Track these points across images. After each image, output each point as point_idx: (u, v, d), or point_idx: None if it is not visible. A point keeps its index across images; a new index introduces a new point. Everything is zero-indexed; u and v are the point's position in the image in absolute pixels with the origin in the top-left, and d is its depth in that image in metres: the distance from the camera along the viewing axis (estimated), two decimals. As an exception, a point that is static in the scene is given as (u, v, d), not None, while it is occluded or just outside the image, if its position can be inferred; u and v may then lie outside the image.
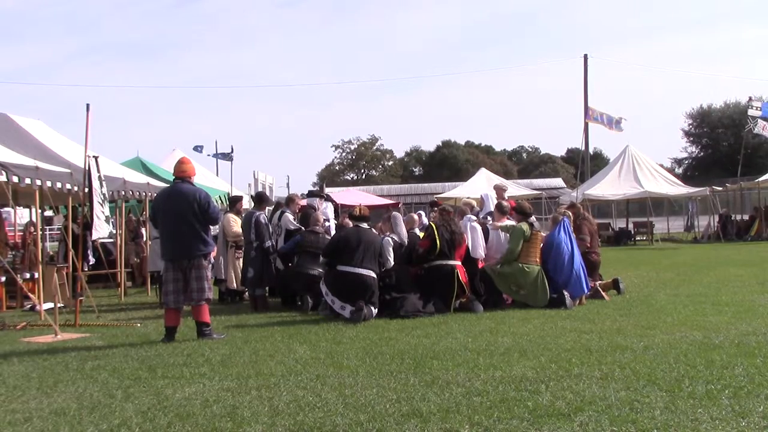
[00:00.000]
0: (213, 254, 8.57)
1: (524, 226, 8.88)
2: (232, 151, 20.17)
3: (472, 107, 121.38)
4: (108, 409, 4.50)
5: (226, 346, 6.55)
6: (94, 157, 8.54)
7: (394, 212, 10.20)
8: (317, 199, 11.25)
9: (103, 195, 8.61)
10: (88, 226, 8.76)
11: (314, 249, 9.05)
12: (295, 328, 7.60)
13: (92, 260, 12.54)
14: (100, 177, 8.59)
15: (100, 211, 8.32)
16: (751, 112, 25.12)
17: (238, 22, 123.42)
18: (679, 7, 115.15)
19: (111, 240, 12.22)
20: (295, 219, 10.06)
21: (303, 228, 9.78)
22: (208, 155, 20.76)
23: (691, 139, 63.84)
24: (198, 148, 19.89)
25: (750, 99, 26.02)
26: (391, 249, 8.68)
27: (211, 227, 7.65)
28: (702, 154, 62.19)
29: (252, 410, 4.33)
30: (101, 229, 8.32)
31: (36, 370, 5.75)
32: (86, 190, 8.52)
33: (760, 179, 25.47)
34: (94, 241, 10.58)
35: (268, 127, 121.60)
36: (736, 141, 51.00)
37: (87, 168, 8.41)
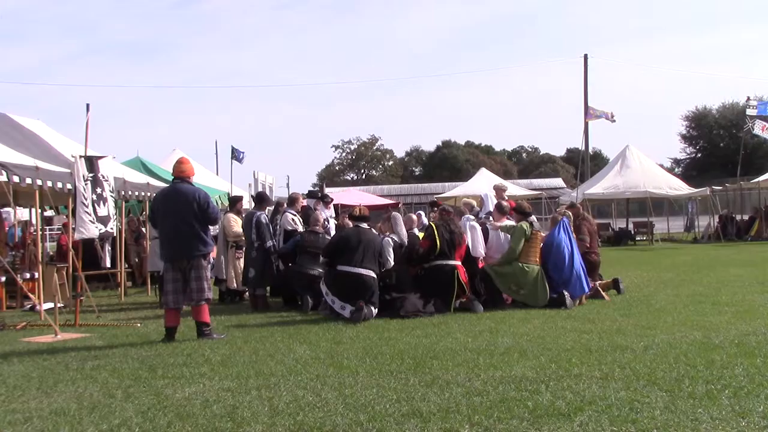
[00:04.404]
0: (213, 254, 8.57)
1: (525, 225, 8.89)
2: (233, 152, 20.09)
3: (472, 107, 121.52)
4: (108, 409, 4.50)
5: (226, 346, 6.55)
6: (87, 157, 8.52)
7: (393, 212, 10.20)
8: (314, 200, 11.25)
9: (98, 195, 8.56)
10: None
11: (314, 249, 9.05)
12: (295, 328, 7.60)
13: (108, 263, 12.56)
14: (96, 177, 8.54)
15: (84, 212, 8.27)
16: (749, 111, 25.16)
17: (237, 23, 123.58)
18: (679, 7, 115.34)
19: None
20: (296, 219, 10.01)
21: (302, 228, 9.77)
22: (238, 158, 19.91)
23: (689, 141, 63.82)
24: (238, 154, 19.45)
25: (748, 99, 26.07)
26: (391, 249, 8.68)
27: (211, 227, 7.65)
28: (700, 155, 62.15)
29: (252, 410, 4.33)
30: (85, 230, 8.27)
31: (36, 370, 5.74)
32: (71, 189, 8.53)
33: (760, 179, 25.48)
34: (94, 242, 10.58)
35: (268, 127, 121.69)
36: (734, 142, 50.98)
37: (74, 168, 8.40)
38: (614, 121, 25.59)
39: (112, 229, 9.08)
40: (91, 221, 8.35)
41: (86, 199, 8.32)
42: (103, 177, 8.74)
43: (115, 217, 9.25)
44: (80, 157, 8.41)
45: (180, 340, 6.92)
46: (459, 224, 8.97)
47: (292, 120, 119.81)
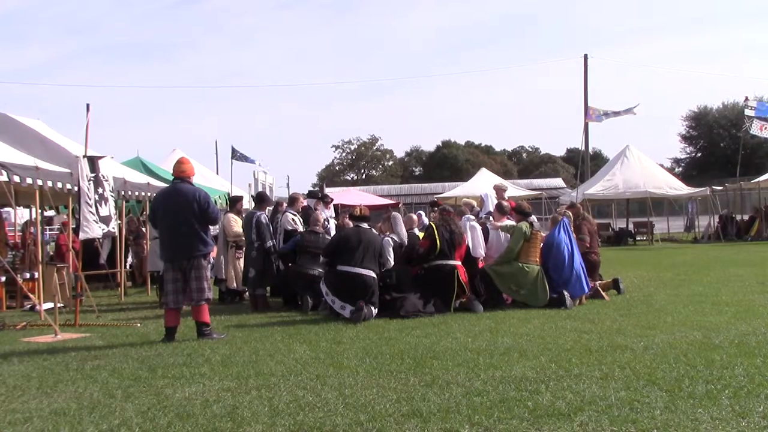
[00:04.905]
0: (213, 254, 8.58)
1: (525, 226, 8.89)
2: (233, 152, 20.04)
3: (472, 107, 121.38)
4: (108, 409, 4.50)
5: (226, 346, 6.55)
6: (89, 157, 8.53)
7: (393, 212, 10.21)
8: (314, 200, 11.25)
9: (100, 195, 8.57)
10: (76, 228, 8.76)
11: (314, 249, 9.05)
12: (295, 328, 7.60)
13: (103, 260, 12.53)
14: (97, 177, 8.56)
15: (89, 212, 8.30)
16: (747, 112, 25.21)
17: (237, 23, 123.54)
18: (679, 7, 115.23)
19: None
20: (296, 219, 10.01)
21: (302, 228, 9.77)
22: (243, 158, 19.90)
23: (689, 142, 63.84)
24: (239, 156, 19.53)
25: (746, 99, 26.09)
26: (391, 249, 8.69)
27: (211, 227, 7.64)
28: (700, 154, 62.16)
29: (252, 410, 4.33)
30: (90, 230, 8.29)
31: (36, 370, 5.75)
32: (76, 189, 8.55)
33: (760, 179, 25.49)
34: (95, 242, 10.59)
35: (268, 127, 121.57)
36: (734, 142, 50.99)
37: (78, 168, 8.43)
38: (635, 113, 25.16)
39: (114, 229, 9.10)
40: (95, 221, 8.37)
41: (90, 199, 8.34)
42: (104, 177, 8.76)
43: (115, 217, 9.27)
44: (83, 157, 8.43)
45: (180, 340, 6.92)
46: (459, 224, 8.97)
47: (292, 120, 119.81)
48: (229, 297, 10.45)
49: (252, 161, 19.69)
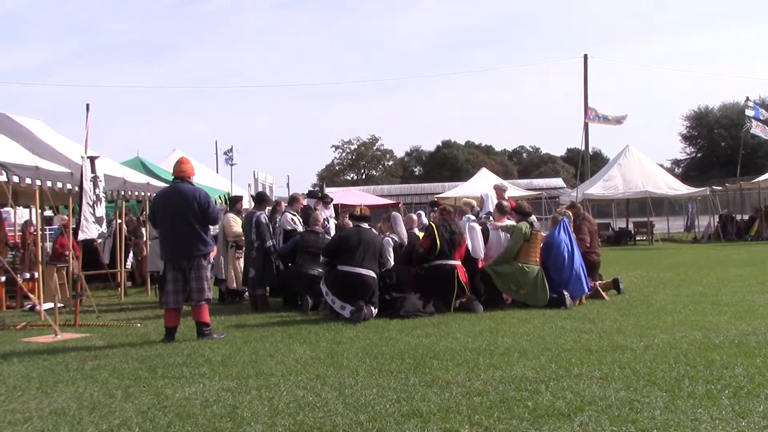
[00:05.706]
0: (213, 254, 8.58)
1: (524, 226, 8.89)
2: (230, 150, 19.99)
3: (472, 107, 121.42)
4: (108, 409, 4.50)
5: (226, 346, 6.55)
6: (88, 157, 8.54)
7: (393, 212, 10.21)
8: (314, 200, 11.26)
9: (96, 195, 8.58)
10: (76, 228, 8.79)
11: (314, 249, 9.05)
12: (295, 328, 7.60)
13: (107, 260, 12.56)
14: (96, 177, 8.57)
15: (89, 213, 8.31)
16: (747, 112, 25.23)
17: (238, 22, 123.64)
18: (679, 7, 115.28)
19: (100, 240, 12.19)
20: (296, 219, 10.01)
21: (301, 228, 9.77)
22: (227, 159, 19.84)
23: (689, 141, 63.83)
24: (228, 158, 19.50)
25: (747, 99, 26.10)
26: (391, 249, 8.69)
27: (211, 227, 7.65)
28: (700, 154, 62.16)
29: (252, 410, 4.33)
30: (89, 231, 8.31)
31: (36, 370, 5.75)
32: (76, 189, 8.57)
33: (760, 179, 25.49)
34: (94, 242, 10.58)
35: (268, 127, 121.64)
36: (734, 141, 50.98)
37: (81, 168, 8.44)
38: (623, 122, 24.63)
39: (106, 230, 9.13)
40: (93, 222, 8.38)
41: (90, 200, 8.35)
42: (98, 177, 8.76)
43: (107, 217, 9.30)
44: (87, 157, 8.44)
45: (180, 340, 6.92)
46: (459, 224, 8.97)
47: (292, 120, 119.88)
48: (229, 297, 10.45)
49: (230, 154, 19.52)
